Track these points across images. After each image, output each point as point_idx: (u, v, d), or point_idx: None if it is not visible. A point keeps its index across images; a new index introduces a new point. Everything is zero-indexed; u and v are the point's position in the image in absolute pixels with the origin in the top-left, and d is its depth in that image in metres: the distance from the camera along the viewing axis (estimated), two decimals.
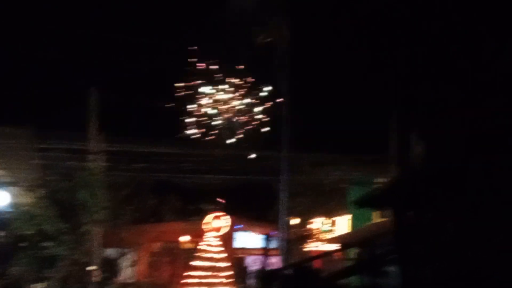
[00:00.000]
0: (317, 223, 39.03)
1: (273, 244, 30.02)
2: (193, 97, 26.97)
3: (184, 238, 41.06)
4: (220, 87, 26.76)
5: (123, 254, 39.77)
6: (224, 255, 36.70)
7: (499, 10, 9.97)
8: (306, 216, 38.43)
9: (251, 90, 26.27)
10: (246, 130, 26.60)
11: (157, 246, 42.23)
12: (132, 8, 39.80)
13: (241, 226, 40.90)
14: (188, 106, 27.01)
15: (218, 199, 37.26)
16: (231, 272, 35.89)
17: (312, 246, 38.93)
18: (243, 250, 42.17)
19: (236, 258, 41.66)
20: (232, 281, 35.76)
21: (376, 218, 30.50)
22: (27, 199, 30.46)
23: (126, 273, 39.89)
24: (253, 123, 26.36)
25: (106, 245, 36.24)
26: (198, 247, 37.30)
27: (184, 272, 35.70)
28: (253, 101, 26.24)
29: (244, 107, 26.33)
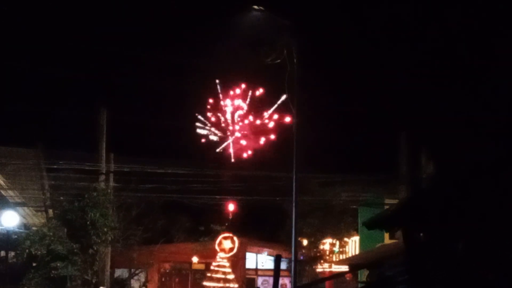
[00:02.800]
0: (328, 244, 38.87)
1: (284, 265, 29.90)
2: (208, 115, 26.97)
3: (195, 259, 41.03)
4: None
5: (133, 275, 39.73)
6: (234, 275, 36.63)
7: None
8: (317, 237, 38.27)
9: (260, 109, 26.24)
10: (255, 149, 26.53)
11: (167, 266, 42.22)
12: (141, 26, 39.98)
13: (267, 250, 40.95)
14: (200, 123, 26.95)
15: (229, 216, 37.27)
16: None
17: (322, 267, 38.77)
18: (254, 270, 42.12)
19: (248, 278, 41.60)
20: None
21: (388, 239, 30.37)
22: (37, 219, 30.51)
23: None
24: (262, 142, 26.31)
25: (117, 265, 36.23)
26: (211, 267, 37.27)
27: None
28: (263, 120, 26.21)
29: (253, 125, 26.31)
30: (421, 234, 11.10)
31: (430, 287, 10.45)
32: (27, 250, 27.36)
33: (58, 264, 27.14)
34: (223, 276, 36.21)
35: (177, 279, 42.61)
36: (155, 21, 41.61)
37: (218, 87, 26.49)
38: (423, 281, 10.54)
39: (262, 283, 41.41)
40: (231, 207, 36.61)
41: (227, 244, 36.97)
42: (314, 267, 38.35)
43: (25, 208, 30.90)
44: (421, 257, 10.60)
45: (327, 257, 38.84)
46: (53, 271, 27.14)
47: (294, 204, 21.18)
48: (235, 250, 37.26)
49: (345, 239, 39.24)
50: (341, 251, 39.48)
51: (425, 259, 10.53)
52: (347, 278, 35.32)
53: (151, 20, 41.65)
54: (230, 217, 37.19)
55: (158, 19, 40.64)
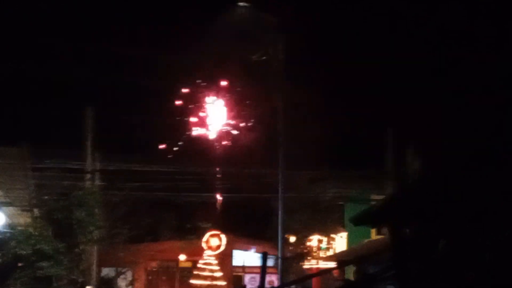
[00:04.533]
0: (315, 241, 38.87)
1: (271, 262, 29.87)
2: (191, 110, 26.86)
3: (182, 257, 40.98)
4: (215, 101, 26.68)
5: (120, 273, 39.65)
6: (222, 273, 36.61)
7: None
8: (304, 234, 38.27)
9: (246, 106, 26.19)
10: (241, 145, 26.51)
11: (154, 264, 42.15)
12: (127, 21, 39.83)
13: (254, 247, 40.85)
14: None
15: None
16: None
17: (310, 264, 38.78)
18: (241, 268, 42.08)
19: (235, 276, 41.56)
20: None
21: (375, 235, 30.42)
22: (23, 219, 30.33)
23: None
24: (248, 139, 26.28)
25: (103, 264, 36.13)
26: (197, 265, 37.23)
27: None
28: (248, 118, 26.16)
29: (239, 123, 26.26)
30: (407, 230, 11.09)
31: (415, 284, 10.45)
32: (12, 250, 27.21)
33: (44, 264, 27.00)
34: (210, 274, 36.22)
35: (164, 277, 42.55)
36: (140, 18, 41.48)
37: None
38: (408, 278, 10.53)
39: (249, 281, 41.38)
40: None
41: (214, 241, 36.96)
42: (301, 263, 38.34)
43: (10, 207, 30.72)
44: (406, 253, 10.59)
45: (314, 254, 38.84)
46: (39, 271, 27.00)
47: (280, 201, 21.21)
48: (222, 248, 37.25)
49: (332, 235, 39.27)
50: (328, 247, 39.50)
51: (410, 255, 10.53)
52: (335, 275, 35.33)
53: (136, 17, 41.54)
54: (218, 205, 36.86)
55: (143, 16, 40.53)
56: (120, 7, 40.20)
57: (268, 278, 28.43)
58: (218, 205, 36.71)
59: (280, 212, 21.24)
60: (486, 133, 10.39)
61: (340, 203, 37.25)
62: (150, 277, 42.39)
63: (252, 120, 25.62)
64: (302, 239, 38.40)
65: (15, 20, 37.04)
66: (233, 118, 26.00)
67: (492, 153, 9.41)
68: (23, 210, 31.26)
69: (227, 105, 26.12)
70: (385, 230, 21.18)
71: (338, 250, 38.08)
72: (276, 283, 28.44)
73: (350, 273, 28.15)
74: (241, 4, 21.03)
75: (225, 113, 26.07)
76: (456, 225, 9.53)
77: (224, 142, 25.74)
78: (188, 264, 41.32)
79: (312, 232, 38.51)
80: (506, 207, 8.86)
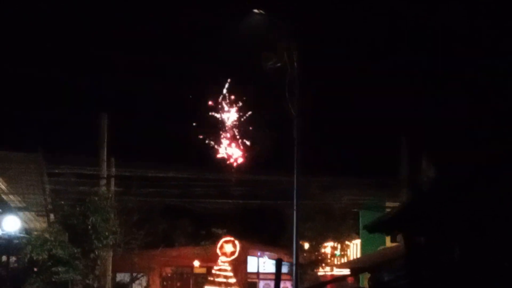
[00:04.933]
0: (329, 248, 38.85)
1: (285, 269, 29.88)
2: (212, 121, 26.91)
3: (196, 263, 41.03)
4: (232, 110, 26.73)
5: (135, 279, 39.75)
6: (236, 279, 36.63)
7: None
8: (318, 241, 38.24)
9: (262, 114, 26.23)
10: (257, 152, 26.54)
11: (168, 270, 42.23)
12: (143, 30, 39.99)
13: (268, 254, 40.85)
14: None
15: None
16: None
17: (324, 271, 38.75)
18: (256, 274, 42.12)
19: (249, 282, 41.59)
20: None
21: (389, 242, 30.36)
22: (38, 224, 30.51)
23: None
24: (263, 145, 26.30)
25: (118, 269, 36.25)
26: (211, 271, 37.27)
27: None
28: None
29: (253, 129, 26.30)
30: (422, 238, 11.11)
31: None
32: (28, 255, 27.35)
33: (60, 269, 27.12)
34: (224, 280, 36.24)
35: (178, 283, 42.62)
36: (156, 25, 41.65)
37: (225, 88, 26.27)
38: (422, 286, 10.55)
39: (263, 287, 41.42)
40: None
41: (228, 248, 36.99)
42: (315, 270, 38.31)
43: (27, 212, 30.89)
44: (420, 261, 10.61)
45: (329, 261, 38.81)
46: (54, 276, 27.13)
47: (295, 208, 21.18)
48: (236, 254, 37.27)
49: (347, 242, 39.22)
50: (343, 254, 39.46)
51: (425, 263, 10.54)
52: (349, 282, 35.30)
53: (152, 23, 41.69)
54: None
55: (159, 23, 40.66)
56: (133, 15, 40.36)
57: (282, 284, 28.45)
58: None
59: (295, 219, 21.22)
60: (500, 141, 10.39)
61: (354, 210, 37.21)
62: (164, 283, 42.48)
63: (266, 129, 25.68)
64: (316, 246, 38.37)
65: (35, 28, 37.29)
66: (247, 124, 26.05)
67: (506, 162, 9.42)
68: (39, 215, 31.44)
69: (241, 111, 26.17)
70: (399, 237, 21.17)
71: (352, 257, 38.03)
72: None
73: (365, 280, 28.11)
74: (256, 11, 21.07)
75: (239, 120, 26.12)
76: (470, 233, 9.54)
77: (237, 153, 25.80)
78: (203, 270, 41.39)
79: (327, 239, 38.48)
80: None
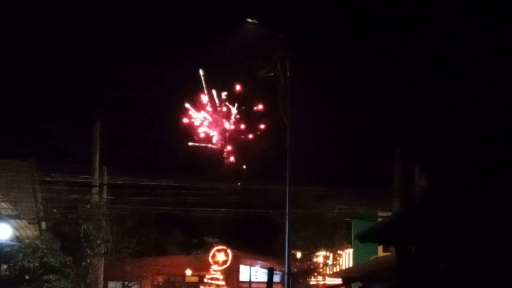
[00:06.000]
0: (321, 257, 38.86)
1: (277, 278, 29.86)
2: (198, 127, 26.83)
3: (188, 271, 40.97)
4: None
5: (126, 287, 39.65)
6: None
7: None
8: (310, 250, 38.25)
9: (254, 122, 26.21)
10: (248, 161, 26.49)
11: (160, 279, 42.13)
12: (136, 38, 40.02)
13: (260, 263, 40.80)
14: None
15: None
16: None
17: (316, 280, 38.74)
18: (248, 283, 42.06)
19: None
20: None
21: (382, 251, 30.38)
22: (30, 231, 30.40)
23: None
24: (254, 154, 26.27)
25: (110, 278, 36.16)
26: (203, 280, 37.21)
27: None
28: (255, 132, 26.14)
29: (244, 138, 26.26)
30: (414, 248, 11.12)
31: None
32: (19, 263, 27.28)
33: (51, 277, 27.04)
34: None
35: None
36: (148, 33, 41.68)
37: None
38: None
39: None
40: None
41: (220, 256, 36.96)
42: (307, 280, 38.30)
43: (18, 220, 30.80)
44: (411, 272, 10.62)
45: (321, 270, 38.81)
46: (46, 284, 27.04)
47: (287, 217, 21.21)
48: (228, 263, 37.25)
49: (339, 251, 39.25)
50: (335, 263, 39.47)
51: (416, 273, 10.56)
52: None
53: (145, 32, 41.74)
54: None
55: (151, 31, 40.73)
56: (131, 21, 40.39)
57: None
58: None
59: (287, 228, 21.25)
60: (494, 153, 10.42)
61: (347, 219, 37.25)
62: None
63: (258, 132, 25.62)
64: (308, 255, 38.38)
65: (29, 36, 37.27)
66: (239, 131, 26.01)
67: (498, 174, 9.45)
68: (30, 223, 31.35)
69: (233, 117, 26.13)
70: (392, 247, 21.20)
71: (344, 267, 38.03)
72: None
73: None
74: (249, 20, 21.12)
75: (231, 126, 26.08)
76: (462, 243, 9.56)
77: (231, 158, 25.74)
78: (195, 279, 41.31)
79: (319, 248, 38.50)
80: (509, 229, 8.90)
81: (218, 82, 25.98)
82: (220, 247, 37.40)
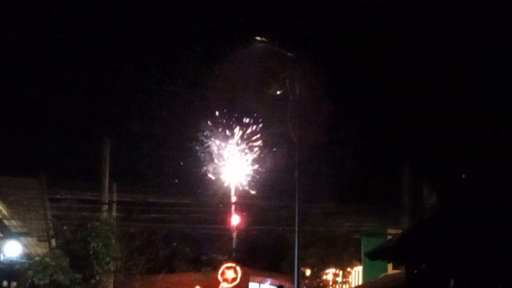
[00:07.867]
0: (331, 274, 38.74)
1: None
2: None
3: None
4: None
5: None
6: None
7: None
8: (320, 267, 38.16)
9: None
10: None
11: None
12: (145, 56, 40.11)
13: (270, 280, 40.76)
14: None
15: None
16: None
17: None
18: None
19: None
20: None
21: (392, 269, 30.26)
22: (40, 249, 30.45)
23: None
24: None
25: None
26: None
27: None
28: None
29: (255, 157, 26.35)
30: (423, 266, 11.10)
31: None
32: (29, 280, 27.29)
33: None
34: None
35: None
36: (158, 53, 41.77)
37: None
38: None
39: None
40: (235, 220, 36.22)
41: (229, 274, 36.84)
42: None
43: (28, 238, 30.85)
44: None
45: (330, 287, 38.69)
46: None
47: (296, 234, 21.21)
48: (238, 280, 37.11)
49: (348, 269, 39.10)
50: (344, 281, 39.32)
51: None
52: None
53: (154, 51, 41.86)
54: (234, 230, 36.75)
55: (161, 50, 40.82)
56: (133, 40, 40.50)
57: None
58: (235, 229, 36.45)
59: (296, 245, 21.24)
60: (504, 170, 10.40)
61: (356, 237, 37.14)
62: None
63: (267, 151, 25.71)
64: (318, 272, 38.27)
65: (40, 52, 37.43)
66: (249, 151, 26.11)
67: (508, 189, 9.44)
68: (40, 241, 31.38)
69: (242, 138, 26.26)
70: (402, 264, 21.13)
71: (354, 284, 37.89)
72: None
73: None
74: (258, 39, 21.20)
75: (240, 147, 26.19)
76: (468, 262, 9.53)
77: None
78: None
79: (328, 265, 38.39)
80: None
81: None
82: (229, 264, 37.28)
